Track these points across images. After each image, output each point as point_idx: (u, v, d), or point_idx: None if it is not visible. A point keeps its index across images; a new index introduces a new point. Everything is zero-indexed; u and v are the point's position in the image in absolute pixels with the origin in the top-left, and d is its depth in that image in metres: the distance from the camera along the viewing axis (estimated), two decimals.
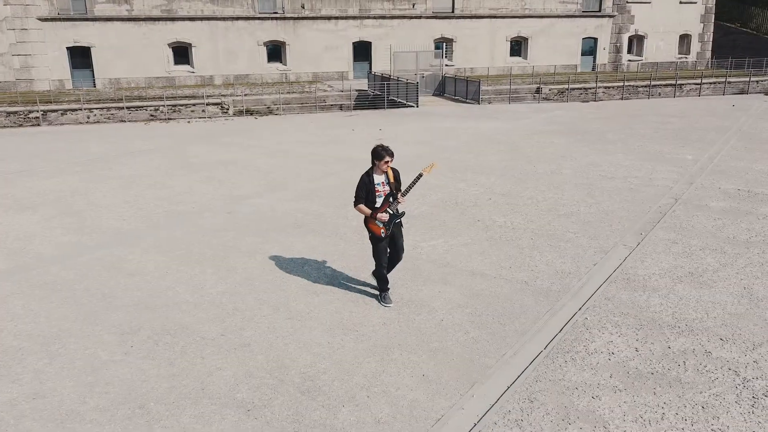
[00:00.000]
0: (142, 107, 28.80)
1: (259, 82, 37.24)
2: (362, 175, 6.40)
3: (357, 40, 38.71)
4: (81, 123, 27.24)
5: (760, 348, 5.65)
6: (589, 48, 43.42)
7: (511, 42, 41.71)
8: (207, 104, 29.79)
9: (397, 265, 6.85)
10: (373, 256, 6.58)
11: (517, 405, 4.83)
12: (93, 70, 35.34)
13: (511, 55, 42.12)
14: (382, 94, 29.18)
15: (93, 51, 34.99)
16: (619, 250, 8.30)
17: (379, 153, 6.24)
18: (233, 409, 4.82)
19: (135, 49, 35.34)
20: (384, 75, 30.87)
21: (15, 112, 27.45)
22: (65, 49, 34.54)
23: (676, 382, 5.13)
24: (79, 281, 7.44)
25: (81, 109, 27.87)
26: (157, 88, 34.41)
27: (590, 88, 31.78)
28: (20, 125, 26.67)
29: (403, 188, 6.49)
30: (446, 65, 39.90)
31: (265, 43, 37.43)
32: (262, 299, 6.85)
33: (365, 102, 30.74)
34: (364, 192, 6.33)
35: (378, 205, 6.33)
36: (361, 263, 7.77)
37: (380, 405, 4.86)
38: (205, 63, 36.81)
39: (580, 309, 6.52)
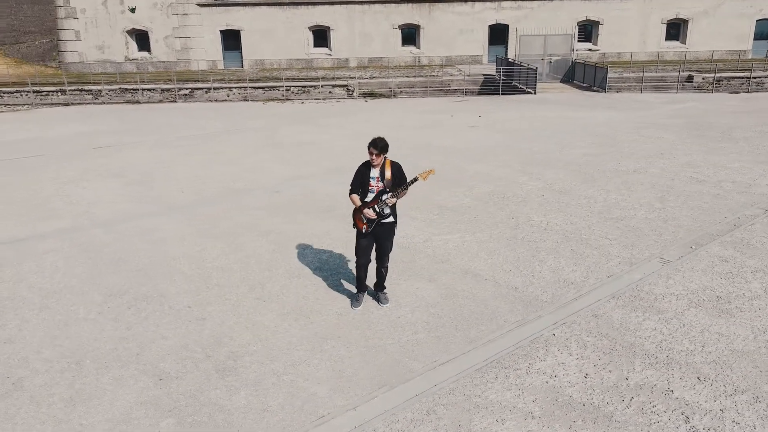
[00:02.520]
0: (275, 87, 30.62)
1: (392, 65, 37.76)
2: (360, 165, 6.10)
3: (493, 22, 37.64)
4: (217, 101, 29.63)
5: (739, 395, 4.75)
6: (766, 31, 38.05)
7: (667, 24, 37.88)
8: (333, 86, 30.91)
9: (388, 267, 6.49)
10: (354, 251, 6.31)
11: (410, 415, 4.57)
12: (241, 52, 38.21)
13: (667, 39, 38.28)
14: (507, 80, 28.19)
15: (242, 34, 37.78)
16: (650, 263, 7.35)
17: (368, 145, 5.87)
18: (149, 377, 5.12)
19: (279, 32, 37.56)
20: (510, 60, 29.75)
21: (169, 89, 30.67)
22: (219, 32, 37.71)
23: (605, 418, 4.50)
24: (109, 245, 8.27)
25: (222, 88, 30.37)
26: (295, 70, 36.38)
27: (756, 77, 27.87)
28: (172, 101, 29.74)
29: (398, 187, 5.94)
30: (590, 50, 37.40)
31: (399, 27, 37.78)
32: (245, 277, 7.11)
33: (490, 87, 29.89)
34: (358, 182, 6.02)
35: (369, 199, 5.96)
36: None
37: (278, 394, 4.86)
38: (341, 46, 38.10)
39: (555, 323, 5.93)
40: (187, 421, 4.56)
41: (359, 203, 6.00)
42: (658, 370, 5.10)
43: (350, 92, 30.93)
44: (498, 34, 37.83)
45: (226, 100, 29.38)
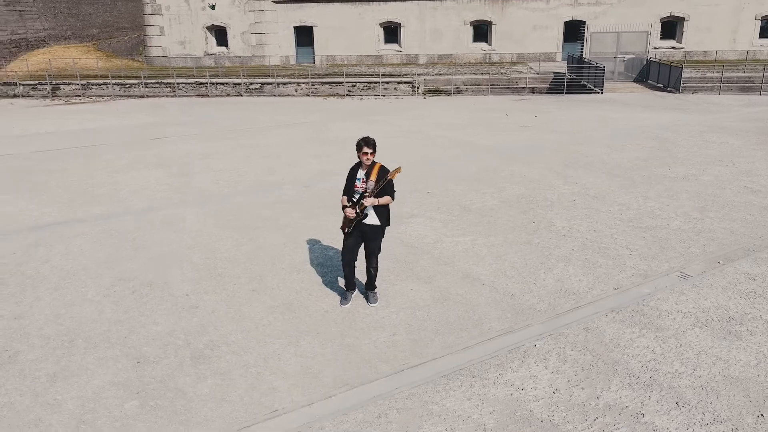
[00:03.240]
0: (340, 83, 31.04)
1: (462, 62, 37.33)
2: (353, 165, 6.14)
3: (569, 19, 36.41)
4: (284, 96, 30.36)
5: (716, 425, 4.40)
6: None
7: (761, 21, 35.25)
8: (398, 83, 30.96)
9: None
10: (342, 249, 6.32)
11: (361, 416, 4.55)
12: (313, 48, 38.98)
13: (761, 36, 35.63)
14: (576, 78, 27.20)
15: (315, 30, 38.52)
16: (666, 277, 6.91)
17: (358, 144, 5.90)
18: (129, 360, 5.38)
19: (350, 28, 38.01)
20: (580, 58, 28.67)
21: (240, 84, 31.77)
22: (292, 29, 38.64)
23: None
24: (135, 232, 8.71)
25: (290, 83, 31.13)
26: (364, 66, 36.72)
27: None
28: (239, 95, 30.80)
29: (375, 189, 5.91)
30: (673, 48, 35.42)
31: (471, 23, 37.30)
32: (248, 269, 7.29)
33: (560, 86, 28.93)
34: (348, 182, 6.05)
35: (356, 200, 5.93)
36: None
37: (241, 385, 4.97)
38: (411, 42, 38.07)
39: (541, 334, 5.71)
40: (149, 404, 4.75)
41: (344, 203, 6.01)
42: (635, 391, 4.80)
43: (415, 89, 30.85)
44: (574, 31, 36.55)
45: (292, 95, 30.10)
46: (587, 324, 5.87)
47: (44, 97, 31.80)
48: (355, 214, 5.86)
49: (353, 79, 30.95)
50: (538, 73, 30.60)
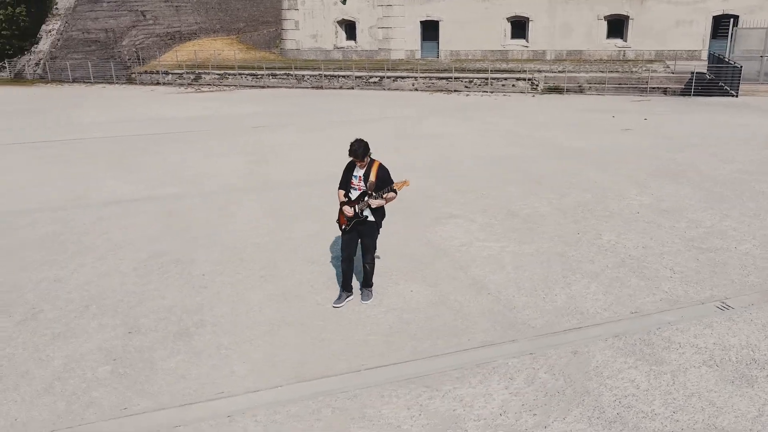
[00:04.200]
0: (458, 78, 30.78)
1: (593, 59, 35.30)
2: (349, 162, 6.15)
3: (719, 13, 32.96)
4: (402, 90, 30.71)
5: None
6: None
7: None
8: (517, 79, 30.05)
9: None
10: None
11: (294, 410, 4.59)
12: (438, 43, 38.93)
13: None
14: (715, 79, 24.64)
15: (441, 25, 38.43)
16: (702, 306, 6.14)
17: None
18: (124, 329, 5.85)
19: (476, 23, 37.44)
20: (720, 56, 25.87)
21: (360, 77, 32.66)
22: (418, 23, 38.86)
23: None
24: (191, 212, 9.38)
25: (408, 77, 31.43)
26: (489, 61, 36.04)
27: None
28: (351, 88, 31.65)
29: (380, 191, 5.90)
30: None
31: (605, 17, 35.10)
32: (268, 256, 7.57)
33: (698, 88, 26.34)
34: (344, 179, 6.10)
35: (354, 197, 5.99)
36: (389, 247, 7.69)
37: (206, 365, 5.22)
38: (539, 37, 36.69)
39: (521, 352, 5.35)
40: (119, 371, 5.15)
41: (342, 199, 6.05)
42: (591, 426, 4.36)
43: (534, 86, 29.75)
44: (726, 27, 33.02)
45: (407, 90, 30.35)
46: (578, 347, 5.40)
47: (182, 84, 34.93)
48: (353, 213, 5.87)
49: (471, 75, 30.52)
50: (673, 73, 28.14)
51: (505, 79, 30.18)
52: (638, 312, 6.02)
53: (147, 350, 5.47)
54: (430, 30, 38.88)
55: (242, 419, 4.50)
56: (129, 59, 38.56)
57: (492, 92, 28.43)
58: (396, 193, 5.99)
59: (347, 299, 6.26)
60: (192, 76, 36.30)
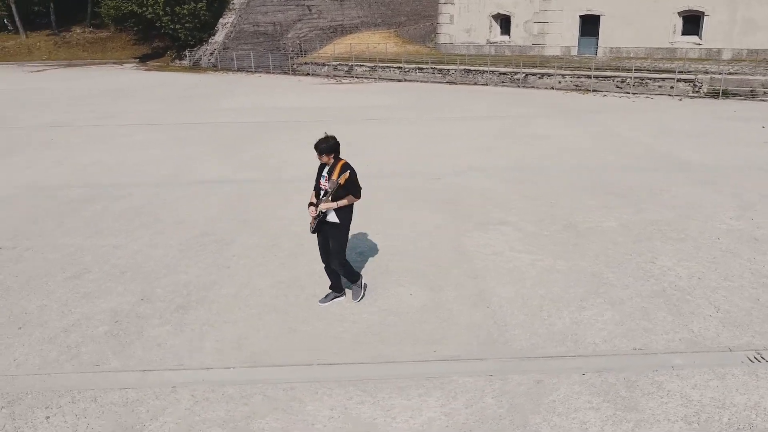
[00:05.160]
0: (609, 77, 28.76)
1: None
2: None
3: None
4: (547, 88, 29.45)
5: None
6: None
7: None
8: (677, 80, 27.32)
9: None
10: None
11: (231, 391, 4.79)
12: (597, 39, 36.59)
13: None
14: None
15: (601, 19, 36.08)
16: (728, 354, 5.27)
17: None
18: (139, 296, 6.49)
19: (641, 17, 34.60)
20: None
21: (505, 73, 31.90)
22: (577, 18, 36.85)
23: None
24: (256, 198, 10.01)
25: (555, 74, 30.06)
26: (653, 60, 33.17)
27: None
28: (484, 84, 30.97)
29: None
30: None
31: None
32: (298, 245, 7.85)
33: None
34: (316, 178, 5.99)
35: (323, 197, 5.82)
36: (416, 248, 7.60)
37: (183, 338, 5.63)
38: (714, 34, 32.94)
39: (479, 371, 5.03)
40: (112, 332, 5.75)
41: (313, 200, 5.95)
42: None
43: (696, 89, 26.82)
44: None
45: (552, 89, 29.01)
46: (546, 377, 4.95)
47: (336, 75, 36.68)
48: (314, 214, 5.88)
49: (624, 74, 28.33)
50: None
51: (663, 80, 27.57)
52: (643, 349, 5.34)
53: (145, 317, 6.03)
54: (589, 25, 36.67)
55: (182, 392, 4.82)
56: (292, 50, 41.45)
57: (634, 94, 26.15)
58: (357, 183, 5.79)
59: (334, 299, 6.28)
60: (345, 68, 38.04)
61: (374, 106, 21.23)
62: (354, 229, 8.28)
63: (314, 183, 6.07)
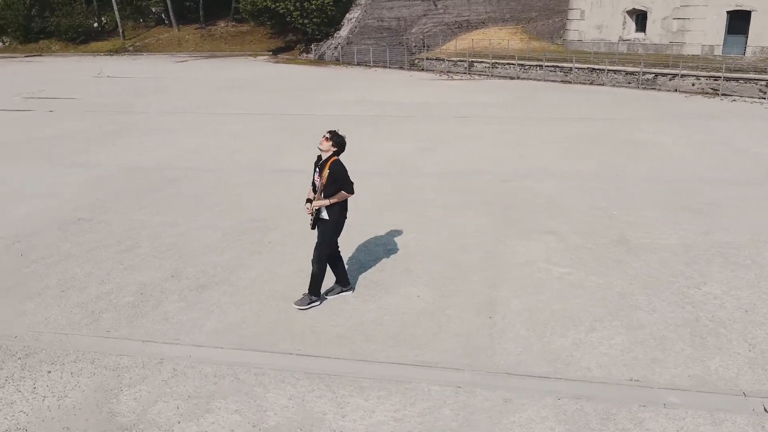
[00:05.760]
0: (752, 80, 25.95)
1: None
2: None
3: None
4: (679, 91, 27.27)
5: None
6: None
7: None
8: None
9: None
10: None
11: (209, 370, 5.07)
12: (746, 37, 33.04)
13: None
14: None
15: (752, 15, 32.54)
16: (740, 399, 4.66)
17: None
18: (170, 272, 7.01)
19: None
20: None
21: (632, 73, 29.87)
22: (724, 13, 33.51)
23: None
24: None
25: (690, 75, 27.68)
26: None
27: None
28: (601, 84, 29.09)
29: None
30: None
31: None
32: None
33: None
34: (313, 175, 6.07)
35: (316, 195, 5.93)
36: (446, 251, 7.47)
37: (189, 315, 6.01)
38: None
39: (452, 383, 4.88)
40: (134, 303, 6.27)
41: (310, 196, 6.02)
42: None
43: None
44: None
45: (685, 91, 26.74)
46: (516, 397, 4.69)
47: (457, 72, 36.42)
48: (309, 210, 5.94)
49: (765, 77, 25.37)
50: None
51: None
52: (640, 381, 4.87)
53: (167, 293, 6.51)
54: (737, 21, 33.19)
55: (166, 365, 5.17)
56: (414, 46, 41.78)
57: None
58: (347, 178, 5.80)
59: (340, 292, 6.34)
60: (464, 64, 37.67)
61: (472, 103, 20.88)
62: (393, 226, 8.34)
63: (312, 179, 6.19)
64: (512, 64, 34.83)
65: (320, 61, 38.53)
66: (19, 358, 5.30)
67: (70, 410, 4.59)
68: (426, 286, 6.58)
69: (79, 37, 50.06)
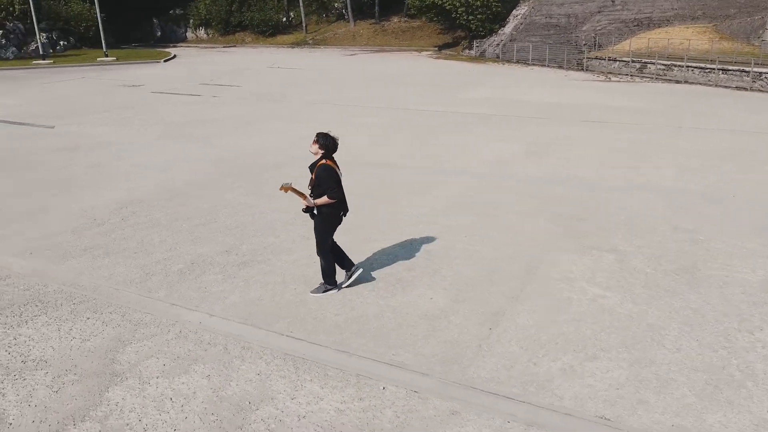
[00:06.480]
0: None
1: None
2: None
3: None
4: None
5: None
6: None
7: None
8: None
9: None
10: None
11: (205, 337, 5.62)
12: None
13: None
14: None
15: None
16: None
17: None
18: (228, 247, 7.73)
19: None
20: None
21: None
22: None
23: None
24: (398, 185, 10.52)
25: None
26: None
27: None
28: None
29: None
30: None
31: None
32: (392, 235, 8.20)
33: None
34: None
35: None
36: (490, 255, 7.31)
37: (218, 288, 6.63)
38: None
39: (413, 387, 4.87)
40: (182, 271, 7.04)
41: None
42: None
43: None
44: None
45: None
46: (464, 411, 4.56)
47: (628, 73, 33.90)
48: (304, 207, 6.20)
49: None
50: None
51: None
52: (608, 422, 4.45)
53: (213, 265, 7.23)
54: None
55: (176, 328, 5.81)
56: (584, 44, 39.56)
57: None
58: (328, 183, 5.97)
59: (351, 277, 6.55)
60: (637, 65, 34.89)
61: (610, 107, 19.39)
62: (451, 227, 8.32)
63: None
64: (691, 66, 31.54)
65: (480, 57, 38.19)
66: (73, 304, 6.31)
67: (85, 352, 5.39)
68: (445, 290, 6.52)
69: (269, 30, 55.05)
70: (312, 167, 6.17)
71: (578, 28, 40.17)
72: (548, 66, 34.25)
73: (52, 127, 16.35)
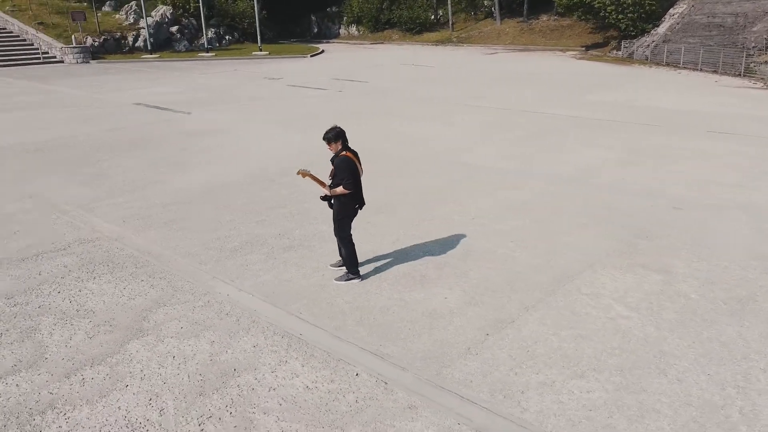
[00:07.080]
0: None
1: None
2: None
3: None
4: None
5: None
6: None
7: None
8: None
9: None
10: None
11: (227, 309, 6.23)
12: None
13: None
14: None
15: None
16: None
17: None
18: (282, 230, 8.35)
19: None
20: None
21: None
22: None
23: None
24: (476, 186, 10.51)
25: None
26: None
27: None
28: None
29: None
30: None
31: None
32: (430, 232, 8.33)
33: None
34: None
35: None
36: (527, 264, 7.20)
37: (257, 267, 7.24)
38: None
39: (386, 379, 5.07)
40: (234, 249, 7.77)
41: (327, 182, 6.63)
42: None
43: None
44: None
45: None
46: (422, 407, 4.66)
47: (762, 79, 29.95)
48: (322, 195, 6.56)
49: None
50: None
51: None
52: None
53: (264, 246, 7.87)
54: None
55: (205, 297, 6.49)
56: (754, 47, 35.41)
57: None
58: (346, 174, 6.27)
59: (346, 279, 6.83)
60: None
61: (746, 116, 17.29)
62: (498, 231, 8.25)
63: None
64: None
65: (627, 59, 35.76)
66: (136, 267, 7.27)
67: (126, 308, 6.25)
68: (463, 292, 6.56)
69: (416, 27, 56.04)
70: (333, 159, 6.50)
71: (747, 29, 36.03)
72: (701, 70, 31.26)
73: (189, 113, 18.33)
